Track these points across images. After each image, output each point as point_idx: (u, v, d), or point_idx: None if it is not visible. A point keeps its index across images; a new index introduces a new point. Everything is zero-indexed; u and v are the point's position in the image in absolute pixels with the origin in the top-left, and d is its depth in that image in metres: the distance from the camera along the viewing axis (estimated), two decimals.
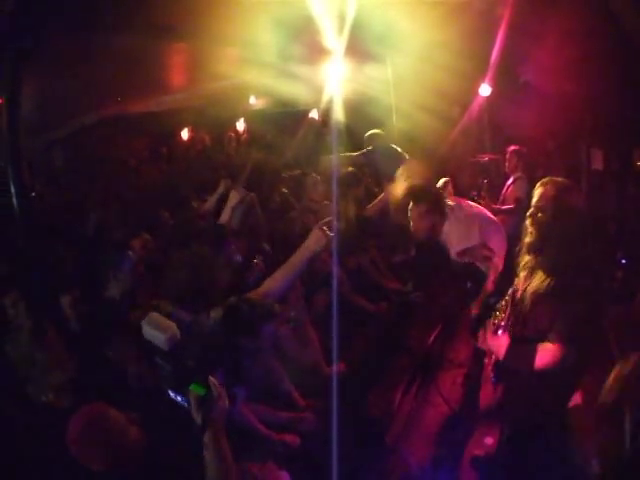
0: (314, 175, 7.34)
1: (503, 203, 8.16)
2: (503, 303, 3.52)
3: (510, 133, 9.28)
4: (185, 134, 11.87)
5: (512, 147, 8.48)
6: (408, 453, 4.85)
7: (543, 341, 3.44)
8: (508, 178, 8.55)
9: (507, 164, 8.51)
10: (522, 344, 3.50)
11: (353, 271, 6.53)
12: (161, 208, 6.50)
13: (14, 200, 5.01)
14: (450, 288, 6.39)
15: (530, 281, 3.66)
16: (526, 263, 3.75)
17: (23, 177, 5.23)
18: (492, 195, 8.56)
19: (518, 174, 8.22)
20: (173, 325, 2.68)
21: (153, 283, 4.65)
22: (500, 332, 3.43)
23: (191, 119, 12.22)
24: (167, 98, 11.79)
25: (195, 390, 2.65)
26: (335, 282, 5.08)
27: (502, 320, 3.48)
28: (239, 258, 5.03)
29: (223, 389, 2.79)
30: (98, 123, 10.80)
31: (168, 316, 3.87)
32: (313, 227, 4.06)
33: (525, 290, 3.66)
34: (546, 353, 3.39)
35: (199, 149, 10.72)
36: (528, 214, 3.73)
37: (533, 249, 3.67)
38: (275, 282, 4.08)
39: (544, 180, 4.01)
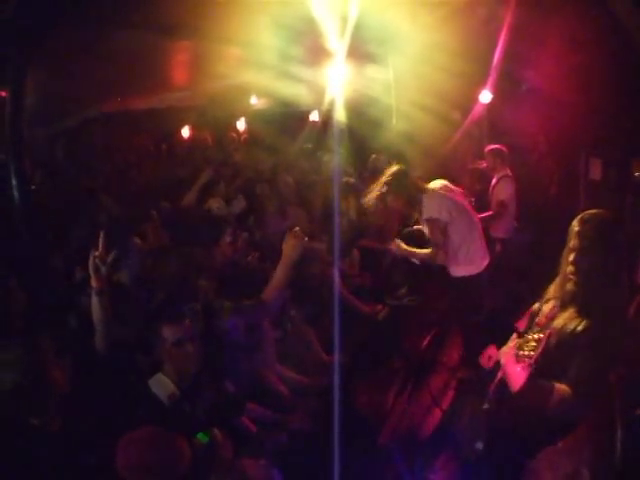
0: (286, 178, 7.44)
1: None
2: (536, 336, 3.28)
3: (510, 140, 9.28)
4: (186, 132, 11.87)
5: (490, 147, 8.37)
6: (399, 455, 4.85)
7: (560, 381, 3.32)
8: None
9: (486, 164, 8.44)
10: (540, 380, 3.30)
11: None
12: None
13: (14, 193, 5.02)
14: (444, 293, 6.43)
15: (561, 316, 3.47)
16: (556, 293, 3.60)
17: (24, 171, 5.25)
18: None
19: (502, 173, 8.06)
20: (172, 386, 3.37)
21: None
22: (524, 365, 3.20)
23: (192, 118, 12.25)
24: (169, 95, 11.81)
25: (200, 438, 3.15)
26: (330, 282, 5.11)
27: (533, 357, 3.20)
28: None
29: (225, 439, 3.25)
30: (100, 117, 10.84)
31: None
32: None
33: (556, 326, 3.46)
34: (559, 395, 3.26)
35: (199, 148, 10.70)
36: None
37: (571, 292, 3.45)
38: (271, 292, 4.39)
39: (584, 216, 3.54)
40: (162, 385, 3.35)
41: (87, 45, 7.06)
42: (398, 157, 6.64)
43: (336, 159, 7.96)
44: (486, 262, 5.84)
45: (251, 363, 4.59)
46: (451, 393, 5.76)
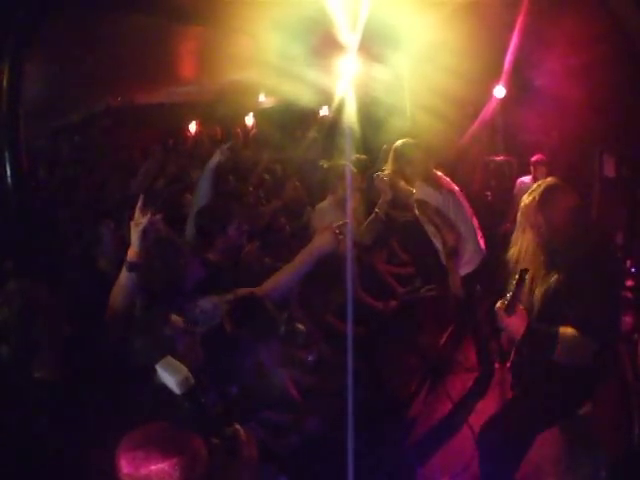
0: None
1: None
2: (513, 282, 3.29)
3: (523, 137, 9.17)
4: (193, 127, 11.68)
5: (536, 157, 8.39)
6: (415, 459, 4.73)
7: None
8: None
9: (533, 174, 8.39)
10: (541, 326, 3.39)
11: (363, 268, 6.35)
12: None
13: (9, 184, 4.85)
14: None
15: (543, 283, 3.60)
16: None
17: (21, 162, 5.07)
18: (503, 197, 8.56)
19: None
20: (185, 369, 2.66)
21: None
22: (513, 311, 3.25)
23: (199, 113, 12.09)
24: (177, 89, 11.69)
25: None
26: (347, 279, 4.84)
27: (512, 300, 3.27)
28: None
29: (250, 436, 2.78)
30: (106, 112, 10.70)
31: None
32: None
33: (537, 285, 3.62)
34: (568, 338, 3.30)
35: (207, 143, 10.53)
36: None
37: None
38: (278, 281, 3.99)
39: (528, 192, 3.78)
40: (173, 369, 2.72)
41: (91, 32, 6.87)
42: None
43: (347, 150, 7.74)
44: (480, 258, 5.72)
45: (259, 361, 4.35)
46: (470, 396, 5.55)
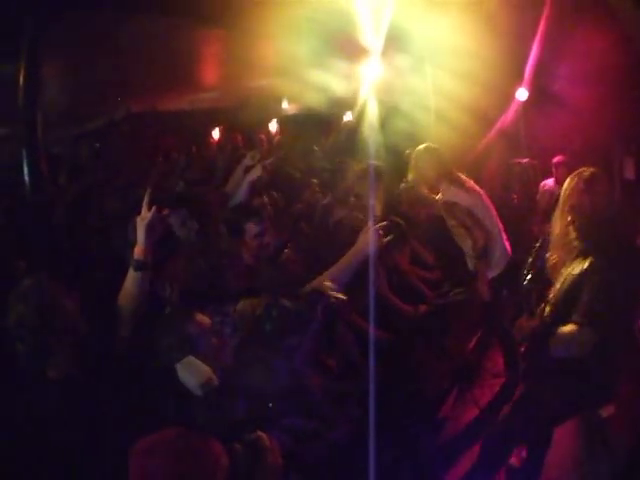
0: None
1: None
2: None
3: (545, 140, 9.12)
4: (216, 134, 11.66)
5: (557, 158, 8.31)
6: (444, 469, 4.65)
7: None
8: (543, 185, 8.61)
9: (555, 176, 8.34)
10: (547, 327, 3.52)
11: (390, 270, 6.25)
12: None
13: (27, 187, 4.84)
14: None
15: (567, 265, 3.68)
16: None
17: (40, 165, 5.06)
18: (528, 201, 8.53)
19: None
20: (208, 371, 2.61)
21: None
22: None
23: (222, 120, 12.06)
24: (199, 97, 11.69)
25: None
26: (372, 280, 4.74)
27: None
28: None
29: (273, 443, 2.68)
30: (126, 118, 10.70)
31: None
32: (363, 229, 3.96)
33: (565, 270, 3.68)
34: (566, 334, 3.40)
35: (229, 150, 10.50)
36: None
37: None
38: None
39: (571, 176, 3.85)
40: (195, 369, 2.67)
41: (112, 38, 6.85)
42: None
43: (371, 156, 7.68)
44: (506, 261, 5.65)
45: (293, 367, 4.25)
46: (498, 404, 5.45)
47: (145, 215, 3.27)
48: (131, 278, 3.24)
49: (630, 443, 4.30)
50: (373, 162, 6.48)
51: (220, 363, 3.05)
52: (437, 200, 5.60)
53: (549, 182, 8.52)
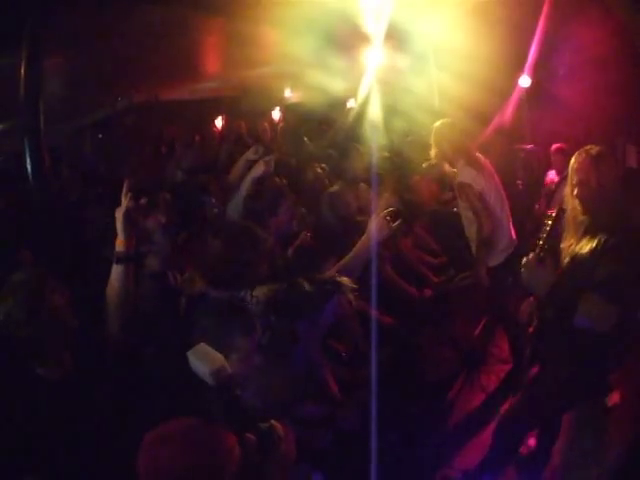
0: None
1: (549, 202, 7.79)
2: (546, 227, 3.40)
3: (547, 128, 9.09)
4: (219, 123, 11.63)
5: (556, 145, 8.24)
6: (451, 456, 4.64)
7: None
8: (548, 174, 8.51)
9: (553, 164, 8.32)
10: (569, 283, 3.40)
11: (395, 255, 6.24)
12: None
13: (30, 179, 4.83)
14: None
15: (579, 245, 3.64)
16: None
17: (42, 156, 5.03)
18: (532, 186, 8.56)
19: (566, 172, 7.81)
20: (221, 358, 2.48)
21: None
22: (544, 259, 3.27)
23: (225, 109, 12.04)
24: (201, 86, 11.66)
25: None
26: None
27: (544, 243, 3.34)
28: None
29: (289, 432, 2.64)
30: (129, 109, 10.69)
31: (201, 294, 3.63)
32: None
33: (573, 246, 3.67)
34: (591, 303, 3.26)
35: (233, 138, 10.47)
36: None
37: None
38: (341, 271, 3.92)
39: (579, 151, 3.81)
40: (207, 357, 2.53)
41: (112, 28, 6.83)
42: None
43: (374, 144, 7.66)
44: (512, 248, 5.62)
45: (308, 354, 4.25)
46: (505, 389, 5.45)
47: (123, 205, 3.23)
48: (114, 272, 3.18)
49: (634, 433, 4.25)
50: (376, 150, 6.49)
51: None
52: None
53: (551, 174, 8.47)
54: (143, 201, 3.35)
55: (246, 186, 5.30)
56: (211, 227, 4.82)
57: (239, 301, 3.44)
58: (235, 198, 5.42)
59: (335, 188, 5.98)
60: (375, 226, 3.93)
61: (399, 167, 7.30)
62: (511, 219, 5.70)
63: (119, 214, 3.21)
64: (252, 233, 3.92)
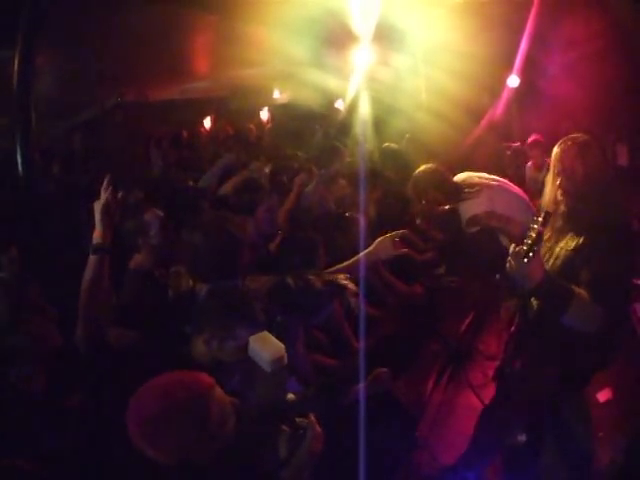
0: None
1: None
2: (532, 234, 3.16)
3: (537, 126, 9.15)
4: (207, 123, 11.66)
5: (532, 137, 8.28)
6: (438, 450, 4.65)
7: None
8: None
9: (531, 158, 8.31)
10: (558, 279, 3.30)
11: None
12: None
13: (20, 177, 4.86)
14: (480, 275, 6.10)
15: (560, 240, 3.60)
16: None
17: (32, 153, 5.06)
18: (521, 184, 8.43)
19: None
20: (282, 347, 2.54)
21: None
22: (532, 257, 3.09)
23: (214, 109, 12.07)
24: (190, 86, 11.69)
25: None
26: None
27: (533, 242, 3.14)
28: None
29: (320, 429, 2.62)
30: (118, 107, 10.70)
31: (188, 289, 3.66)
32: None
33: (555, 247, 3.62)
34: (582, 298, 3.21)
35: (221, 139, 10.52)
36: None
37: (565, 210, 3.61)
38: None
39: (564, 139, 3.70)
40: (269, 344, 2.55)
41: (103, 27, 6.87)
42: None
43: (361, 146, 7.70)
44: None
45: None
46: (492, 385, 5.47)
47: (102, 198, 3.30)
48: (89, 263, 3.21)
49: (628, 426, 4.28)
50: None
51: None
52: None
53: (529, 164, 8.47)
54: (120, 194, 3.41)
55: (214, 171, 5.41)
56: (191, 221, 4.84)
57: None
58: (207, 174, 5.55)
59: (308, 188, 6.03)
60: (381, 245, 4.01)
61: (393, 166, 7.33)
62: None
63: (97, 206, 3.28)
64: (228, 221, 4.01)
